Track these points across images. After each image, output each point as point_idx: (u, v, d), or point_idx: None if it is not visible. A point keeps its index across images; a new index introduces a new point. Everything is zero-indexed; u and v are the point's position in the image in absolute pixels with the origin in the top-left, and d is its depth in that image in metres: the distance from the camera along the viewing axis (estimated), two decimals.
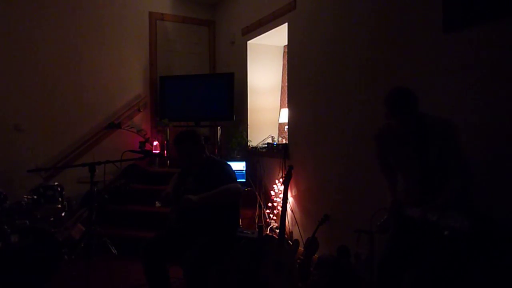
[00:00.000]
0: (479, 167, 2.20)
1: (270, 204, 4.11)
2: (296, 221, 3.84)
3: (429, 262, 1.96)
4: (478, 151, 2.21)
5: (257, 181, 4.36)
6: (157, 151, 4.91)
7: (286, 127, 4.19)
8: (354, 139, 3.16)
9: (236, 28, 5.00)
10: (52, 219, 3.64)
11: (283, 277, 2.85)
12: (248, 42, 4.76)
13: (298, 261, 3.20)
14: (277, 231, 3.28)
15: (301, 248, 3.34)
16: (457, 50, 2.33)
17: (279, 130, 4.88)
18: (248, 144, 4.69)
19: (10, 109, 4.45)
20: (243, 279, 2.97)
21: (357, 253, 2.93)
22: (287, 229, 3.90)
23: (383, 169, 2.32)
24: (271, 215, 4.09)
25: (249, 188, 4.30)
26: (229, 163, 2.79)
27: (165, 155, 4.95)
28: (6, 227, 3.00)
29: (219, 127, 4.96)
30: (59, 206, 3.73)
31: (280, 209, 3.30)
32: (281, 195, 3.33)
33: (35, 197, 3.55)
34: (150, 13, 5.26)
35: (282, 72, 4.89)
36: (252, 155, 4.58)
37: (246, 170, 4.43)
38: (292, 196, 3.89)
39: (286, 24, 4.01)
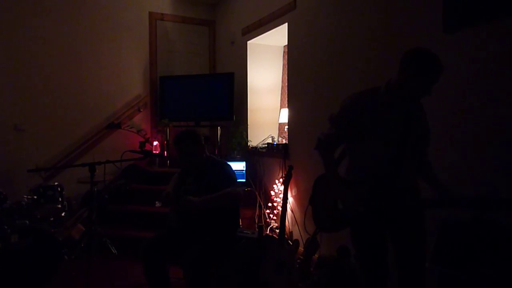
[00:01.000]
0: (478, 165, 2.20)
1: (270, 204, 4.11)
2: (296, 221, 3.84)
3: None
4: (478, 151, 2.21)
5: (257, 181, 4.36)
6: (157, 151, 4.91)
7: (286, 127, 4.19)
8: None
9: (236, 28, 5.00)
10: (52, 219, 3.64)
11: (283, 277, 2.84)
12: (248, 42, 4.76)
13: (298, 261, 3.19)
14: (277, 231, 3.28)
15: (301, 248, 3.34)
16: (457, 50, 2.33)
17: (279, 130, 4.88)
18: (248, 144, 4.69)
19: (10, 109, 4.46)
20: (243, 279, 2.97)
21: (356, 253, 2.92)
22: (287, 229, 3.90)
23: (337, 142, 2.06)
24: (271, 215, 4.09)
25: (249, 188, 4.29)
26: (229, 163, 2.79)
27: (165, 155, 4.95)
28: (6, 227, 3.00)
29: (219, 127, 4.96)
30: (59, 206, 3.73)
31: (280, 209, 3.30)
32: (281, 195, 3.33)
33: (35, 197, 3.55)
34: (150, 13, 5.26)
35: (282, 72, 4.89)
36: (252, 155, 4.58)
37: (246, 170, 4.43)
38: (292, 196, 3.89)
39: (286, 24, 4.01)
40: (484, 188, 2.13)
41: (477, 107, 2.22)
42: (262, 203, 4.19)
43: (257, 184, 4.33)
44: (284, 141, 4.43)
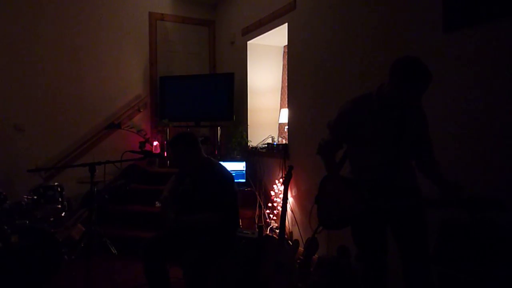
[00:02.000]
0: (478, 164, 2.20)
1: (270, 204, 4.11)
2: (296, 221, 3.84)
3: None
4: (478, 150, 2.21)
5: (257, 181, 4.36)
6: (157, 152, 4.91)
7: (286, 127, 4.19)
8: None
9: (236, 28, 5.00)
10: (52, 219, 3.63)
11: (283, 277, 2.85)
12: (248, 42, 4.76)
13: (298, 261, 3.19)
14: (277, 231, 3.28)
15: (301, 248, 3.34)
16: (457, 50, 2.33)
17: (279, 130, 4.88)
18: (248, 144, 4.69)
19: (10, 109, 4.46)
20: (243, 279, 2.97)
21: (357, 253, 2.92)
22: (287, 229, 3.90)
23: (336, 147, 2.14)
24: (271, 215, 4.09)
25: (249, 188, 4.29)
26: (228, 163, 2.79)
27: (165, 155, 4.95)
28: (6, 227, 3.00)
29: (219, 127, 4.96)
30: (59, 206, 3.72)
31: (280, 209, 3.30)
32: (281, 195, 3.33)
33: (35, 197, 3.54)
34: (150, 13, 5.26)
35: (282, 72, 4.89)
36: (252, 155, 4.58)
37: (246, 170, 4.43)
38: (292, 196, 3.89)
39: (286, 24, 4.01)
40: (484, 186, 2.13)
41: (477, 106, 2.22)
42: (262, 203, 4.19)
43: (257, 184, 4.33)
44: (284, 141, 4.43)
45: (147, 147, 4.87)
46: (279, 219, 3.28)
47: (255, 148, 4.59)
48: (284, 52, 4.86)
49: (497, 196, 1.80)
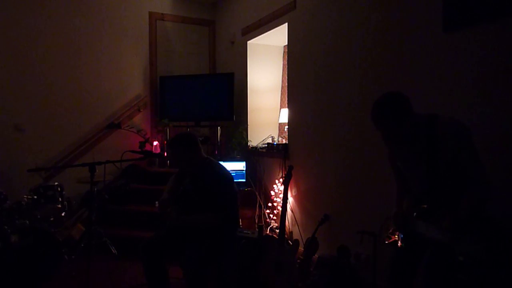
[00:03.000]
0: None
1: (270, 204, 4.11)
2: (296, 221, 3.84)
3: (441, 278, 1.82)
4: (478, 149, 2.21)
5: (257, 181, 4.36)
6: (157, 152, 4.90)
7: (286, 127, 4.19)
8: (354, 139, 3.16)
9: (236, 28, 5.00)
10: (52, 219, 3.63)
11: (283, 277, 2.85)
12: (248, 42, 4.76)
13: (298, 261, 3.20)
14: (277, 231, 3.28)
15: (301, 248, 3.34)
16: (457, 50, 2.33)
17: (279, 130, 4.88)
18: (248, 144, 4.69)
19: (10, 109, 4.45)
20: (243, 279, 2.97)
21: (357, 253, 2.93)
22: (287, 229, 3.90)
23: (394, 174, 2.13)
24: (271, 215, 4.09)
25: (249, 188, 4.29)
26: (228, 163, 2.79)
27: (165, 155, 4.95)
28: (6, 227, 3.00)
29: (219, 127, 4.96)
30: (59, 206, 3.72)
31: (280, 209, 3.30)
32: (281, 195, 3.33)
33: (35, 197, 3.54)
34: (150, 13, 5.26)
35: (282, 72, 4.89)
36: (252, 155, 4.58)
37: (246, 170, 4.43)
38: (292, 196, 3.89)
39: (286, 24, 4.01)
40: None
41: (477, 106, 2.22)
42: (262, 203, 4.19)
43: (257, 184, 4.33)
44: (284, 141, 4.43)
45: (147, 147, 4.86)
46: (279, 219, 3.28)
47: (255, 148, 4.59)
48: (284, 52, 4.86)
49: (497, 196, 1.80)
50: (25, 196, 3.51)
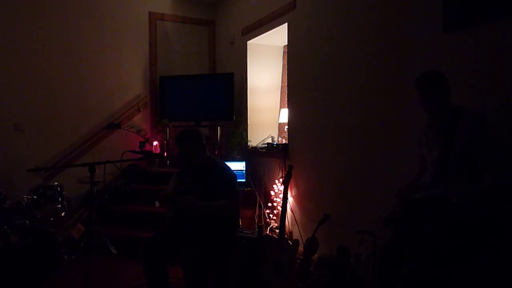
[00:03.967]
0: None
1: (270, 204, 4.11)
2: (296, 221, 3.84)
3: (435, 241, 1.87)
4: None
5: (257, 181, 4.36)
6: (157, 152, 4.91)
7: (286, 127, 4.19)
8: (354, 139, 3.16)
9: (236, 28, 5.00)
10: (52, 219, 3.63)
11: (283, 277, 2.85)
12: (248, 42, 4.76)
13: (298, 261, 3.19)
14: (277, 231, 3.28)
15: (301, 248, 3.34)
16: (457, 50, 2.33)
17: (279, 130, 4.88)
18: (248, 144, 4.69)
19: (10, 109, 4.45)
20: (243, 279, 2.97)
21: (357, 253, 2.93)
22: (287, 229, 3.90)
23: (419, 163, 2.29)
24: (271, 215, 4.09)
25: (249, 188, 4.29)
26: (228, 163, 2.80)
27: (165, 155, 4.95)
28: (6, 227, 3.00)
29: (219, 127, 4.96)
30: (59, 206, 3.73)
31: (280, 209, 3.30)
32: (281, 195, 3.33)
33: (35, 197, 3.54)
34: (150, 13, 5.26)
35: (282, 72, 4.89)
36: (252, 155, 4.58)
37: (246, 170, 4.43)
38: (292, 196, 3.89)
39: (286, 24, 4.01)
40: None
41: (477, 106, 2.22)
42: (262, 203, 4.19)
43: (257, 184, 4.33)
44: (284, 141, 4.43)
45: (147, 147, 4.86)
46: (279, 219, 3.28)
47: (255, 148, 4.59)
48: (284, 52, 4.86)
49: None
50: (25, 196, 3.51)
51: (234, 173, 2.70)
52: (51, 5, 4.66)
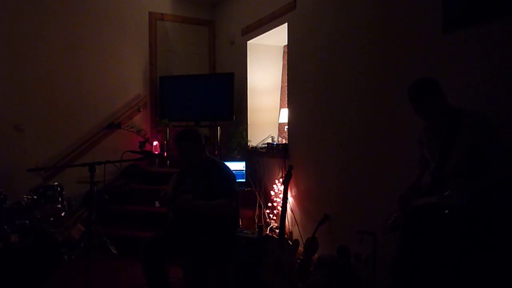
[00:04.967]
0: None
1: (270, 204, 4.11)
2: (296, 221, 3.84)
3: (438, 248, 1.91)
4: None
5: (257, 181, 4.36)
6: (157, 152, 4.91)
7: (286, 127, 4.19)
8: (354, 139, 3.16)
9: (236, 28, 5.00)
10: (52, 219, 3.63)
11: (283, 277, 2.85)
12: (248, 42, 4.76)
13: (298, 261, 3.19)
14: (277, 231, 3.28)
15: (301, 248, 3.34)
16: (457, 50, 2.33)
17: (279, 130, 4.88)
18: (248, 144, 4.69)
19: (10, 109, 4.45)
20: (243, 279, 2.97)
21: (357, 253, 2.93)
22: (287, 229, 3.90)
23: (419, 162, 2.30)
24: (271, 215, 4.09)
25: (249, 188, 4.29)
26: (228, 163, 2.79)
27: (165, 155, 4.95)
28: (6, 227, 3.00)
29: (219, 127, 4.96)
30: (59, 206, 3.72)
31: (280, 209, 3.30)
32: (281, 195, 3.33)
33: (35, 197, 3.54)
34: (150, 13, 5.26)
35: (282, 72, 4.89)
36: (252, 155, 4.58)
37: (246, 170, 4.43)
38: (292, 196, 3.89)
39: (286, 24, 4.01)
40: None
41: (477, 106, 2.22)
42: (262, 203, 4.19)
43: (257, 184, 4.33)
44: (284, 141, 4.43)
45: (147, 147, 4.87)
46: (279, 219, 3.28)
47: (255, 148, 4.59)
48: (284, 52, 4.86)
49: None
50: (25, 196, 3.51)
51: (233, 173, 2.70)
52: (51, 5, 4.66)
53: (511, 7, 2.03)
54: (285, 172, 3.37)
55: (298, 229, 3.81)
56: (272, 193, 4.10)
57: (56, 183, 3.84)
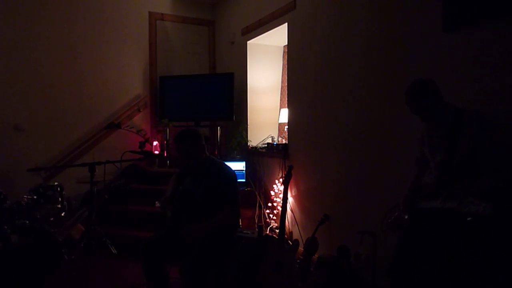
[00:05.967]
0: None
1: (270, 204, 4.11)
2: (296, 221, 3.84)
3: (449, 253, 1.89)
4: None
5: (257, 181, 4.36)
6: (157, 152, 4.91)
7: (286, 127, 4.19)
8: (354, 139, 3.16)
9: (236, 28, 5.00)
10: (52, 219, 3.63)
11: (283, 277, 2.85)
12: (248, 42, 4.76)
13: (298, 261, 3.20)
14: (277, 231, 3.28)
15: (301, 248, 3.34)
16: (457, 50, 2.33)
17: (279, 130, 4.88)
18: (248, 144, 4.69)
19: (10, 109, 4.45)
20: (243, 279, 2.97)
21: (357, 253, 2.93)
22: (287, 229, 3.90)
23: (417, 160, 2.30)
24: (271, 215, 4.09)
25: (249, 188, 4.29)
26: (228, 163, 2.79)
27: (165, 155, 4.95)
28: (6, 227, 3.00)
29: (219, 127, 4.96)
30: (59, 206, 3.72)
31: (280, 209, 3.30)
32: (281, 195, 3.33)
33: (35, 197, 3.54)
34: (150, 13, 5.26)
35: (282, 72, 4.89)
36: (252, 155, 4.58)
37: (246, 170, 4.43)
38: (292, 196, 3.89)
39: (286, 24, 4.01)
40: None
41: (477, 106, 2.22)
42: (262, 203, 4.19)
43: (257, 184, 4.33)
44: (284, 141, 4.43)
45: (147, 147, 4.87)
46: (279, 219, 3.28)
47: (255, 148, 4.59)
48: (284, 52, 4.86)
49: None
50: (25, 196, 3.51)
51: (234, 173, 2.67)
52: (51, 5, 4.66)
53: (511, 7, 2.03)
54: (285, 172, 3.37)
55: (298, 229, 3.81)
56: (272, 193, 4.10)
57: (56, 183, 3.84)
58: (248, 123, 4.81)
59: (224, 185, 2.56)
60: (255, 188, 4.28)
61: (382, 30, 2.88)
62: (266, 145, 4.43)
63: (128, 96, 5.12)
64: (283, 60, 4.89)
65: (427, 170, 2.16)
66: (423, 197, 2.08)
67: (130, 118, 5.06)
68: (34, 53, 4.58)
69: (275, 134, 4.79)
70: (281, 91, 4.92)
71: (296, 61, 3.94)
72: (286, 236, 3.70)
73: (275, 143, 4.36)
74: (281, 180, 3.93)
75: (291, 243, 3.44)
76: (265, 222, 4.08)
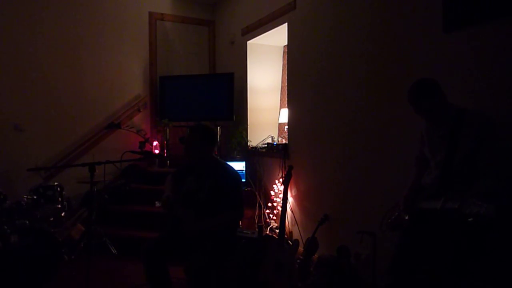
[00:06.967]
0: None
1: (270, 204, 4.11)
2: (296, 221, 3.84)
3: (449, 253, 1.89)
4: None
5: (257, 181, 4.36)
6: (157, 152, 4.91)
7: (286, 127, 4.19)
8: (354, 139, 3.16)
9: (236, 28, 5.00)
10: (52, 219, 3.63)
11: (283, 277, 2.85)
12: (248, 42, 4.76)
13: (298, 261, 3.20)
14: (277, 231, 3.28)
15: (301, 248, 3.34)
16: (457, 50, 2.33)
17: (279, 130, 4.88)
18: (248, 144, 4.69)
19: (10, 109, 4.45)
20: (243, 279, 2.97)
21: (357, 253, 2.93)
22: (287, 229, 3.90)
23: (417, 159, 2.29)
24: (271, 215, 4.09)
25: (249, 188, 4.29)
26: (228, 163, 2.78)
27: (165, 155, 4.95)
28: (6, 227, 3.00)
29: (219, 127, 4.95)
30: (59, 206, 3.73)
31: (280, 209, 3.30)
32: (281, 195, 3.33)
33: (35, 197, 3.55)
34: (150, 13, 5.26)
35: (282, 72, 4.89)
36: (252, 155, 4.58)
37: (246, 170, 4.43)
38: (292, 196, 3.89)
39: (286, 24, 4.01)
40: None
41: (477, 106, 2.22)
42: (262, 203, 4.19)
43: (257, 184, 4.33)
44: (284, 141, 4.43)
45: (147, 147, 4.87)
46: (279, 219, 3.28)
47: (255, 148, 4.59)
48: (284, 52, 4.86)
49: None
50: (25, 196, 3.51)
51: (239, 174, 2.65)
52: (51, 5, 4.65)
53: (511, 7, 2.03)
54: (285, 172, 3.37)
55: (298, 229, 3.81)
56: (272, 193, 4.10)
57: (56, 183, 3.84)
58: (248, 123, 4.81)
59: (230, 187, 2.53)
60: (255, 188, 4.28)
61: (382, 30, 2.88)
62: (266, 145, 4.43)
63: (128, 96, 5.12)
64: (283, 60, 4.89)
65: (427, 169, 2.16)
66: (423, 198, 2.07)
67: (130, 118, 5.06)
68: (34, 54, 4.58)
69: (275, 134, 4.79)
70: (281, 91, 4.92)
71: (296, 61, 3.94)
72: (286, 236, 3.70)
73: (275, 143, 4.36)
74: (281, 180, 3.94)
75: (291, 243, 3.44)
76: (265, 222, 4.09)
